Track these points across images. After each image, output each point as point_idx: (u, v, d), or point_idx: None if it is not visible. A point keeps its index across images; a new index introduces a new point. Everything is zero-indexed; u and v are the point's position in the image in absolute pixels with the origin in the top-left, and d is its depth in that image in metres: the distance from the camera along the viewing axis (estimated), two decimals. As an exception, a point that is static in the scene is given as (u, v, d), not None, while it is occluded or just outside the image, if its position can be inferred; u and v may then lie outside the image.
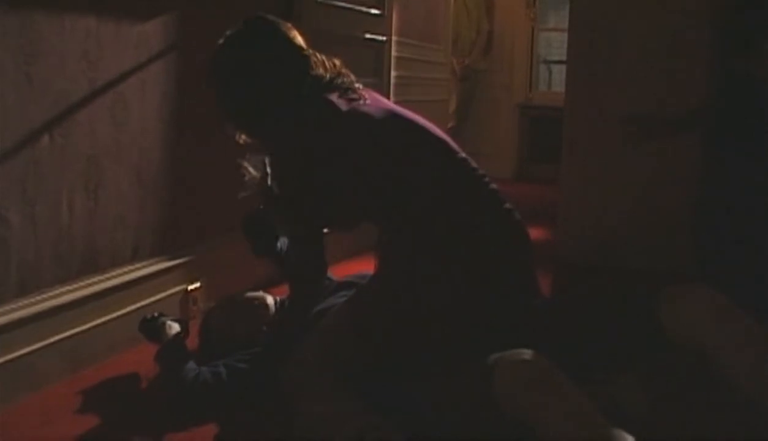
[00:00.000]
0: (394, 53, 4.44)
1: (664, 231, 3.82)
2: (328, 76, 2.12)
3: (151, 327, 2.41)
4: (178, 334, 2.33)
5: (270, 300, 2.55)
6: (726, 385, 1.66)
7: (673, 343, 1.75)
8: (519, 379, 1.63)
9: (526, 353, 1.67)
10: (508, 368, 1.64)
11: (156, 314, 2.44)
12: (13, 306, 2.16)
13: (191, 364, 2.22)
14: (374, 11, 4.06)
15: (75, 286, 2.38)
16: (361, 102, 2.10)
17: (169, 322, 2.39)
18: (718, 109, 2.74)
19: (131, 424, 2.10)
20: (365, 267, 2.64)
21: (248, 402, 2.17)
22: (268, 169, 2.27)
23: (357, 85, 2.15)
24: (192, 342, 2.46)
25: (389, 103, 2.26)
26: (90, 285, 2.44)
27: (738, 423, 1.72)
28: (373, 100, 2.15)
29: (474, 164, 2.10)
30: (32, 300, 2.23)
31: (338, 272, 2.69)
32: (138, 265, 2.64)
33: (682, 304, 1.74)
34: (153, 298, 2.65)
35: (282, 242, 2.45)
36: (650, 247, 3.85)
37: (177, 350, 2.28)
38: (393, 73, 4.45)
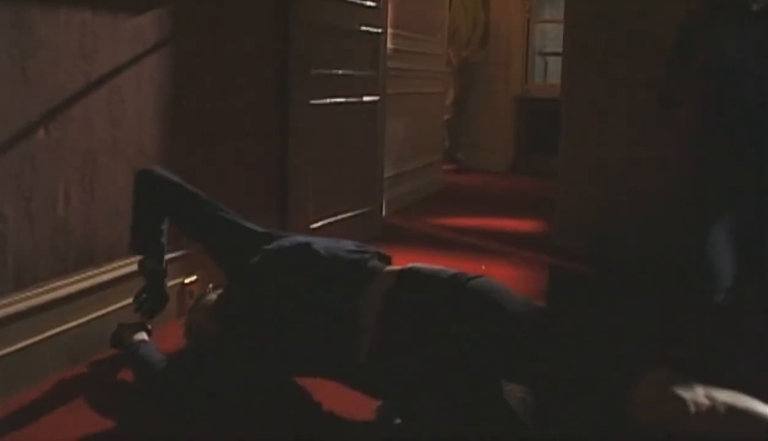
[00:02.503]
0: (389, 45, 4.44)
1: (662, 222, 3.83)
2: None
3: (118, 338, 2.43)
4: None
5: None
6: None
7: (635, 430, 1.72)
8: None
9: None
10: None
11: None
12: (10, 300, 2.16)
13: (159, 355, 2.28)
14: (370, 3, 4.06)
15: (72, 279, 2.38)
16: None
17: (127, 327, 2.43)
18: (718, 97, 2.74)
19: (130, 420, 2.11)
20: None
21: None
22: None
23: None
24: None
25: None
26: (87, 278, 2.44)
27: None
28: None
29: None
30: (29, 294, 2.23)
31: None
32: (135, 259, 2.64)
33: (650, 402, 1.68)
34: (150, 292, 2.65)
35: None
36: (647, 237, 3.86)
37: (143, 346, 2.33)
38: (389, 66, 4.45)
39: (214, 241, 2.43)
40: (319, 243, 2.21)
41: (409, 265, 2.08)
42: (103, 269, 2.51)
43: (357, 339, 1.95)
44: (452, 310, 1.90)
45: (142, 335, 2.39)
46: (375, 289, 2.00)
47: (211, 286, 2.49)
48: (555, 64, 7.43)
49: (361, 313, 1.97)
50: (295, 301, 2.08)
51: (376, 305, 1.97)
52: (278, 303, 2.10)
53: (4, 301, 2.14)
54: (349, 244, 2.22)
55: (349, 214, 4.00)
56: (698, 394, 1.62)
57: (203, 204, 2.41)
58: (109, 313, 2.50)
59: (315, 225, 3.68)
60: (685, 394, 1.63)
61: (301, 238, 2.33)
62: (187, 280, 2.87)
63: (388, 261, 2.20)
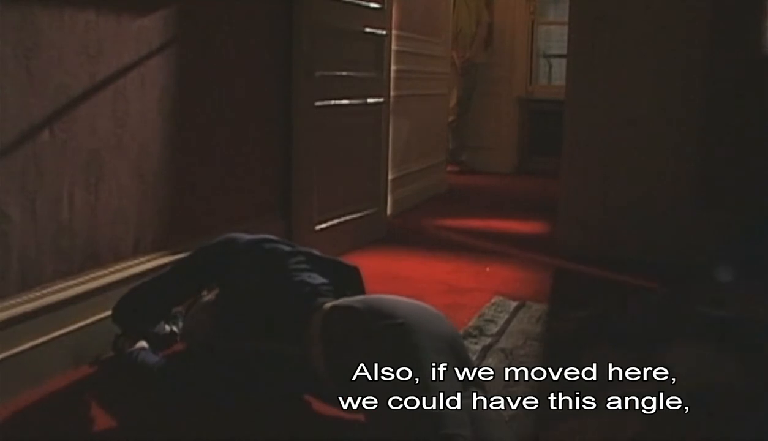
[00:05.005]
0: (394, 47, 4.44)
1: (664, 222, 3.83)
2: None
3: (118, 346, 2.43)
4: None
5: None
6: None
7: None
8: None
9: None
10: None
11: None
12: (15, 301, 2.16)
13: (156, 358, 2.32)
14: (374, 5, 4.06)
15: (76, 280, 2.38)
16: None
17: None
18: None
19: (134, 421, 2.11)
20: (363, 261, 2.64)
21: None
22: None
23: None
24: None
25: None
26: (92, 280, 2.44)
27: None
28: None
29: None
30: (34, 295, 2.23)
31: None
32: (139, 260, 2.64)
33: None
34: (154, 293, 2.65)
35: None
36: (650, 238, 3.85)
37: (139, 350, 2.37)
38: (393, 67, 4.45)
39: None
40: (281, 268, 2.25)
41: (336, 302, 2.11)
42: (107, 270, 2.51)
43: (317, 381, 2.05)
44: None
45: (142, 343, 2.40)
46: (313, 329, 2.04)
47: (205, 291, 2.50)
48: (559, 66, 7.44)
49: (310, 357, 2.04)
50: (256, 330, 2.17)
51: (318, 346, 2.02)
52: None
53: (8, 302, 2.14)
54: (315, 275, 2.24)
55: (353, 215, 3.99)
56: None
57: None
58: (113, 314, 2.50)
59: (319, 226, 3.68)
60: None
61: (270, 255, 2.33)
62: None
63: (356, 274, 2.31)
